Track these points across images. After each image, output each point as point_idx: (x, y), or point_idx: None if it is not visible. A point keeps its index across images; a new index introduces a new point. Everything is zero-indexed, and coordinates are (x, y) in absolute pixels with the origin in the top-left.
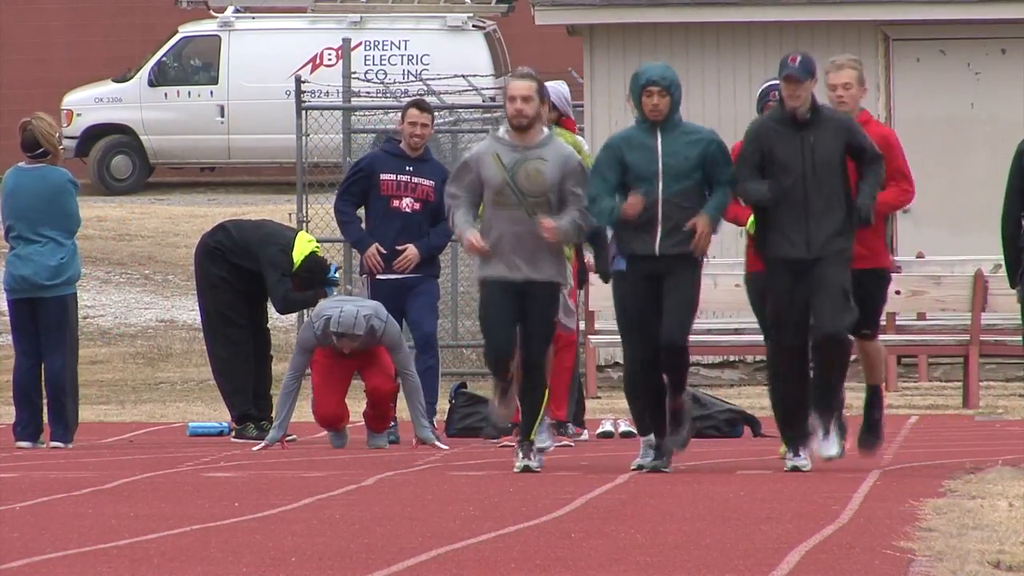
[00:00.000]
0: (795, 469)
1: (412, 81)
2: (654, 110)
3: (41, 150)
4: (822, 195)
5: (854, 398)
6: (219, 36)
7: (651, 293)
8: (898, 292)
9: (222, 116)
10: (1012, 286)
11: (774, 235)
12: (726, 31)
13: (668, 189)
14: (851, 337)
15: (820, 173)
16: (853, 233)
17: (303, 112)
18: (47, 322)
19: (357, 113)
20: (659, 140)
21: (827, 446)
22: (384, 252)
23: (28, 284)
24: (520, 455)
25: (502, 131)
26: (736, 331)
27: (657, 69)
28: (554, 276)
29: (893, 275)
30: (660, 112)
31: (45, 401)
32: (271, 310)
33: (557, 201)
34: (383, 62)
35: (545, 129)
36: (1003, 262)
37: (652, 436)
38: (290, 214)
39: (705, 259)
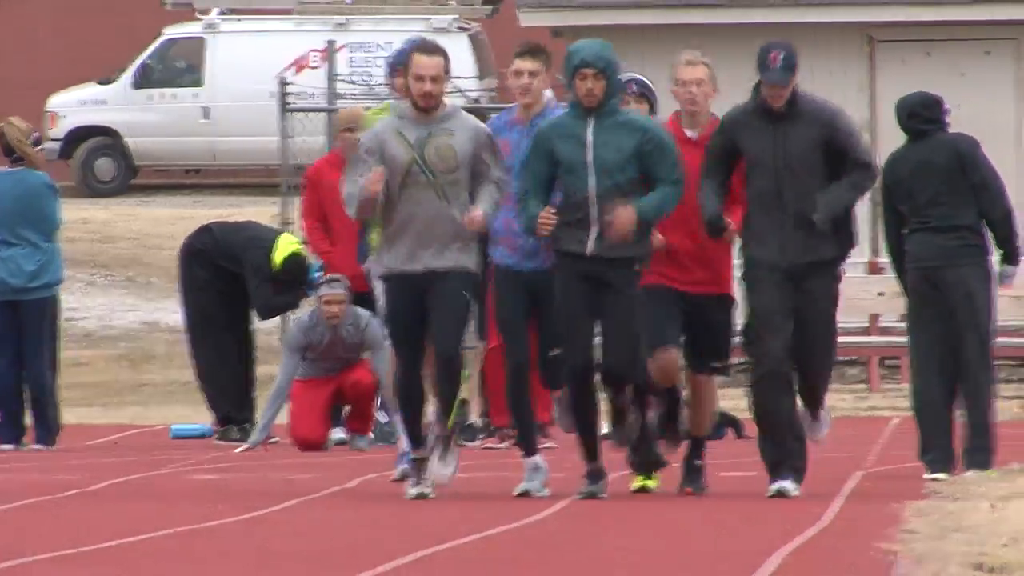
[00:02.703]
0: (780, 493)
1: None
2: (588, 94)
3: (17, 155)
4: (798, 195)
5: (837, 399)
6: (203, 38)
7: (585, 296)
8: (881, 293)
9: (206, 118)
10: (904, 292)
11: (748, 236)
12: (711, 33)
13: (600, 184)
14: (695, 373)
15: (795, 170)
16: (840, 238)
17: (287, 114)
18: (27, 325)
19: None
20: (590, 129)
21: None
22: None
23: (6, 287)
24: (413, 479)
25: (403, 107)
26: None
27: (592, 48)
28: (460, 262)
29: (875, 276)
30: (595, 97)
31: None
32: (255, 313)
33: (469, 177)
34: (368, 64)
35: (447, 101)
36: (896, 274)
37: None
38: (273, 216)
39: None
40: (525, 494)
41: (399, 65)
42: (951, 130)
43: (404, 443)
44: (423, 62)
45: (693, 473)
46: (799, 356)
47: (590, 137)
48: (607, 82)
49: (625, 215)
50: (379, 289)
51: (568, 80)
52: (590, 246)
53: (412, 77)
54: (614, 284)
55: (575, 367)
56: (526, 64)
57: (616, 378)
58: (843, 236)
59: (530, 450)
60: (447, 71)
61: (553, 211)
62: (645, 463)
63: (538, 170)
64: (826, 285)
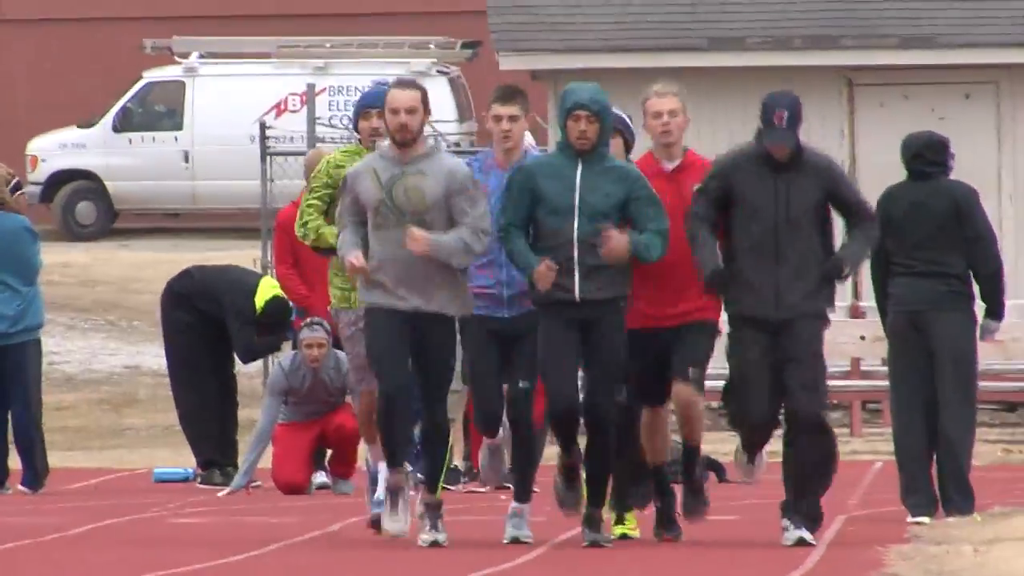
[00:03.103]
0: (801, 542)
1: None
2: (581, 137)
3: None
4: (796, 248)
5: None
6: (184, 82)
7: (572, 341)
8: (863, 337)
9: (187, 162)
10: (886, 330)
11: (740, 289)
12: (691, 76)
13: (583, 228)
14: (681, 386)
15: (795, 223)
16: (831, 293)
17: (268, 158)
18: (10, 369)
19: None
20: (579, 171)
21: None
22: None
23: None
24: (427, 525)
25: (385, 145)
26: None
27: (587, 91)
28: (444, 306)
29: (857, 320)
30: (588, 140)
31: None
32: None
33: (445, 221)
34: (348, 107)
35: (431, 141)
36: (879, 315)
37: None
38: (255, 260)
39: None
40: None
41: (365, 108)
42: (953, 176)
43: (380, 488)
44: (397, 95)
45: (694, 494)
46: (791, 401)
47: (579, 180)
48: (600, 125)
49: (620, 238)
50: (346, 333)
51: (560, 121)
52: (578, 291)
53: (388, 111)
54: (602, 326)
55: (560, 411)
56: (506, 109)
57: (599, 418)
58: (832, 289)
59: (522, 497)
60: (426, 106)
61: (552, 265)
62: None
63: (520, 206)
64: (815, 332)
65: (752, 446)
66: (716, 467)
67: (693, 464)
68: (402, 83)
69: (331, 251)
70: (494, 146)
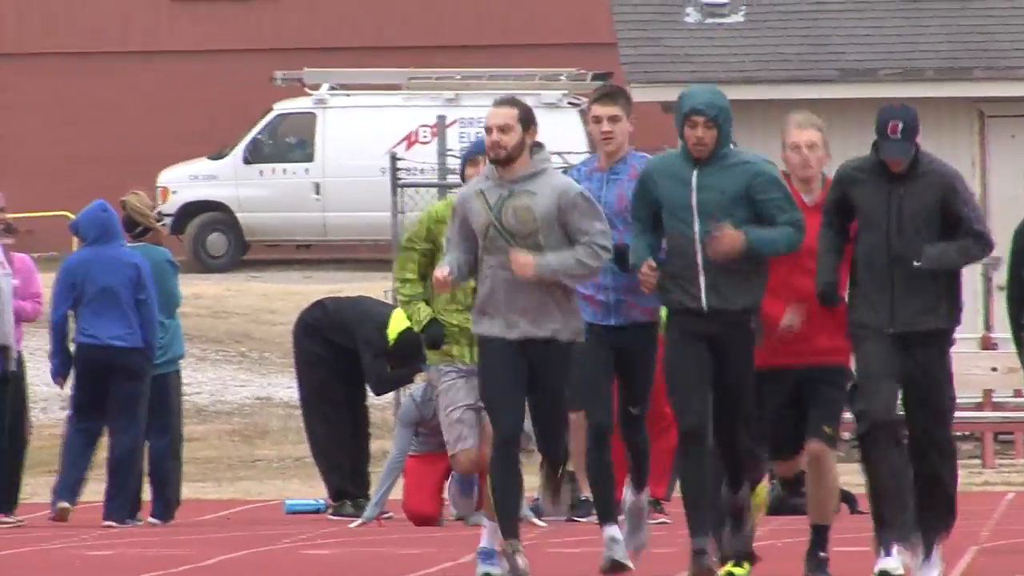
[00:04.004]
0: (883, 575)
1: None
2: (698, 143)
3: (140, 228)
4: (910, 259)
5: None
6: (314, 113)
7: (700, 356)
8: (994, 369)
9: (317, 193)
10: None
11: (858, 299)
12: (822, 108)
13: (704, 228)
14: (814, 445)
15: (909, 232)
16: (952, 309)
17: (398, 189)
18: (151, 400)
19: (452, 190)
20: (696, 171)
21: (927, 569)
22: None
23: None
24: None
25: (490, 167)
26: None
27: (703, 95)
28: (559, 331)
29: (988, 351)
30: (705, 146)
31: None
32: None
33: (559, 241)
34: (478, 139)
35: (538, 159)
36: (1015, 346)
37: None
38: (385, 291)
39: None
40: (617, 566)
41: (472, 155)
42: None
43: (484, 536)
44: (491, 113)
45: (817, 566)
46: (915, 427)
47: (695, 179)
48: (718, 131)
49: (731, 234)
50: (442, 386)
51: (678, 127)
52: (704, 300)
53: (485, 129)
54: (730, 345)
55: (689, 432)
56: (606, 109)
57: (727, 444)
58: (951, 307)
59: (608, 519)
60: (525, 124)
61: (654, 264)
62: (737, 551)
63: (640, 213)
64: (938, 354)
65: (875, 449)
66: (848, 499)
67: (823, 543)
68: (500, 101)
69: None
70: (597, 149)
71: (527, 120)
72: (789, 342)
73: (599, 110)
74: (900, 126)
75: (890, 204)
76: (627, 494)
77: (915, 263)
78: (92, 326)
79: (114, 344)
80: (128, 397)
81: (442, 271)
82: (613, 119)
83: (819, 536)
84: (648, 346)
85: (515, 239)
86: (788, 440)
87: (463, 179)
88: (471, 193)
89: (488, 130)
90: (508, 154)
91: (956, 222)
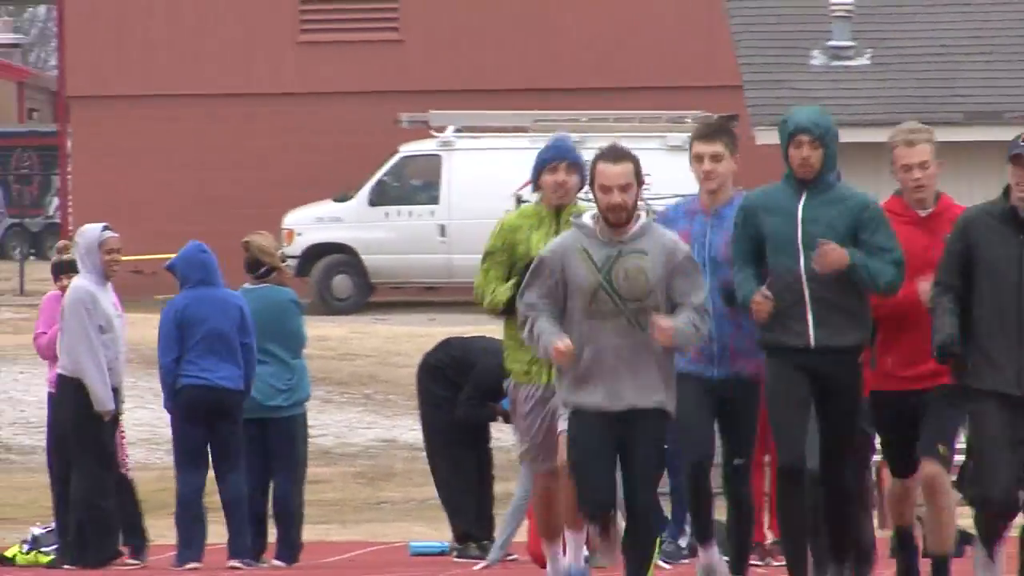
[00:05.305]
0: None
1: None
2: (804, 164)
3: (263, 269)
4: None
5: None
6: (439, 155)
7: (802, 393)
8: None
9: (443, 235)
10: None
11: (980, 361)
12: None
13: (811, 264)
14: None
15: None
16: None
17: None
18: (277, 443)
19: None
20: (802, 203)
21: None
22: None
23: (256, 405)
24: None
25: (587, 220)
26: None
27: (809, 114)
28: (663, 402)
29: None
30: (811, 167)
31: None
32: (494, 428)
33: (663, 303)
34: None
35: (642, 216)
36: None
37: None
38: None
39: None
40: None
41: (551, 161)
42: None
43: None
44: (609, 171)
45: None
46: None
47: (801, 212)
48: (824, 151)
49: (838, 250)
50: (524, 409)
51: (783, 149)
52: (812, 337)
53: (598, 189)
54: (837, 383)
55: (787, 469)
56: (708, 147)
57: (834, 486)
58: None
59: (706, 541)
60: (640, 178)
61: (768, 293)
62: None
63: (746, 248)
64: None
65: (991, 536)
66: (969, 540)
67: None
68: (612, 155)
69: (506, 312)
70: (699, 188)
71: (640, 174)
72: (903, 366)
73: (700, 148)
74: None
75: (1022, 256)
76: (702, 554)
77: None
78: (202, 368)
79: (225, 386)
80: (236, 439)
81: (564, 342)
82: (715, 157)
83: (939, 571)
84: (752, 397)
85: (626, 303)
86: (903, 459)
87: (536, 188)
88: (570, 250)
89: (607, 190)
90: (629, 216)
91: None
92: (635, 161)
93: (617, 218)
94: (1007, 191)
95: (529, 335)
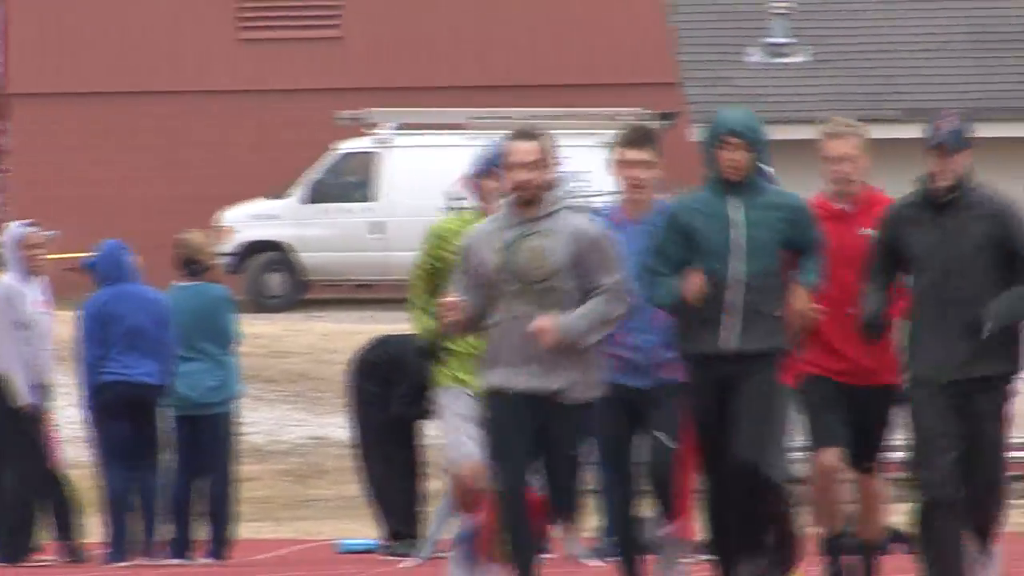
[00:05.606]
0: None
1: (570, 197)
2: (732, 165)
3: (197, 267)
4: (964, 301)
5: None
6: (376, 152)
7: (722, 407)
8: None
9: (378, 233)
10: None
11: (913, 348)
12: (886, 148)
13: (744, 268)
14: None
15: (963, 272)
16: (1012, 352)
17: None
18: (206, 440)
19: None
20: (733, 205)
21: None
22: None
23: (187, 402)
24: None
25: (505, 204)
26: None
27: (738, 117)
28: (571, 389)
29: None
30: (739, 169)
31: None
32: (425, 427)
33: (578, 288)
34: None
35: (557, 197)
36: None
37: None
38: None
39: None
40: None
41: (494, 166)
42: None
43: None
44: (516, 148)
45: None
46: (967, 483)
47: (735, 216)
48: (753, 155)
49: (802, 303)
50: (448, 412)
51: (708, 151)
52: (731, 341)
53: (506, 167)
54: (756, 379)
55: (713, 491)
56: (636, 154)
57: (745, 479)
58: (1013, 351)
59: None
60: (550, 159)
61: (701, 274)
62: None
63: (672, 252)
64: (993, 405)
65: (932, 536)
66: (904, 539)
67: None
68: (522, 134)
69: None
70: (623, 197)
71: (553, 156)
72: (833, 362)
73: (629, 154)
74: (948, 120)
75: (942, 243)
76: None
77: (983, 330)
78: (123, 365)
79: (146, 382)
80: (155, 435)
81: (452, 299)
82: (646, 165)
83: (868, 557)
84: (675, 395)
85: (526, 284)
86: (825, 433)
87: (474, 192)
88: (480, 235)
89: (515, 167)
90: (538, 194)
91: (1014, 257)
92: (546, 141)
93: (523, 196)
94: (926, 180)
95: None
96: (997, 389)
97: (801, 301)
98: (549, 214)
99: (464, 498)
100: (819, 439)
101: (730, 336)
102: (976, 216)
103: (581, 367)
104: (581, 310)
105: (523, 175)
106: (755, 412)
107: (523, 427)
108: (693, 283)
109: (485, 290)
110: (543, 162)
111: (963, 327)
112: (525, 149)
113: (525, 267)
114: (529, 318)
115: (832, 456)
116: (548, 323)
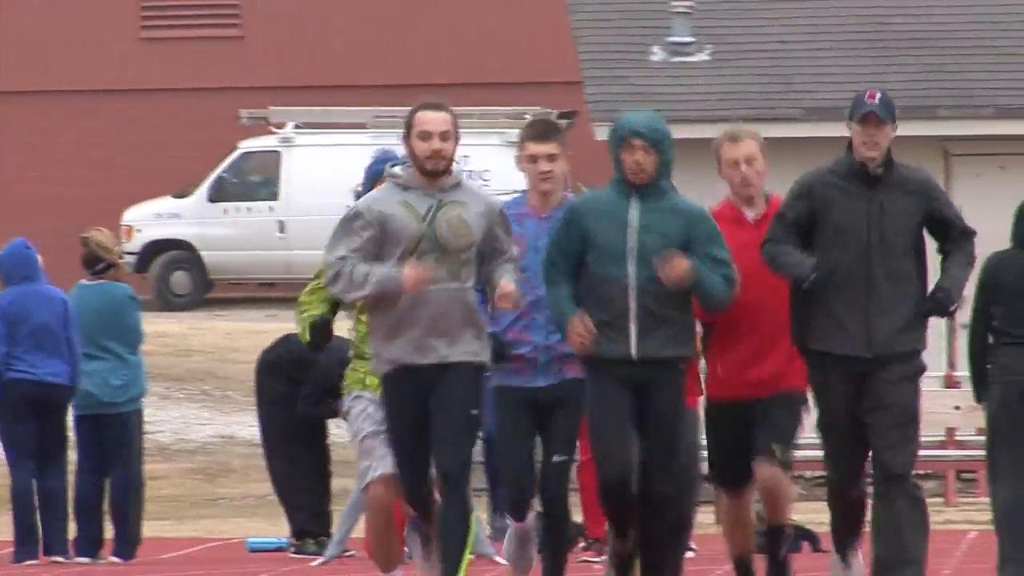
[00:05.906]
0: None
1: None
2: (636, 168)
3: (101, 265)
4: (890, 275)
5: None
6: (279, 152)
7: (625, 406)
8: (958, 407)
9: (282, 232)
10: (977, 401)
11: (825, 324)
12: (787, 146)
13: (642, 273)
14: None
15: (890, 246)
16: (924, 330)
17: None
18: (112, 439)
19: None
20: (634, 209)
21: None
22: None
23: (93, 401)
24: None
25: (400, 172)
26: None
27: (643, 118)
28: (477, 353)
29: (952, 389)
30: (643, 172)
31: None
32: (332, 425)
33: (480, 257)
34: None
35: (456, 169)
36: (971, 381)
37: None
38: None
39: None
40: None
41: (383, 170)
42: None
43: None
44: (429, 117)
45: (778, 571)
46: (875, 449)
47: (635, 219)
48: (658, 157)
49: (682, 262)
50: (356, 409)
51: (613, 153)
52: (634, 349)
53: (417, 136)
54: (660, 393)
55: (612, 481)
56: (543, 147)
57: (659, 501)
58: (924, 327)
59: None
60: (457, 131)
61: (591, 324)
62: None
63: (569, 252)
64: (909, 374)
65: (844, 532)
66: (810, 537)
67: (779, 543)
68: (432, 105)
69: (315, 343)
70: (529, 190)
71: (457, 127)
72: (737, 373)
73: (535, 148)
74: (879, 93)
75: (870, 214)
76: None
77: (933, 306)
78: (29, 364)
79: (52, 381)
80: (60, 433)
81: (421, 267)
82: (551, 158)
83: (774, 538)
84: (576, 395)
85: (449, 252)
86: (735, 471)
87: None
88: (390, 201)
89: (428, 136)
90: (448, 165)
91: (943, 225)
92: (453, 113)
93: (436, 165)
94: (850, 148)
95: (348, 281)
96: (912, 362)
97: (680, 267)
98: (457, 185)
99: (380, 517)
100: (724, 478)
101: (629, 341)
102: (906, 192)
103: (479, 333)
104: (510, 272)
105: (438, 143)
106: (662, 443)
107: (423, 405)
108: (576, 332)
109: (372, 258)
110: (454, 132)
111: (888, 302)
112: (439, 119)
113: (447, 236)
114: (443, 287)
115: (739, 490)
116: (511, 287)
